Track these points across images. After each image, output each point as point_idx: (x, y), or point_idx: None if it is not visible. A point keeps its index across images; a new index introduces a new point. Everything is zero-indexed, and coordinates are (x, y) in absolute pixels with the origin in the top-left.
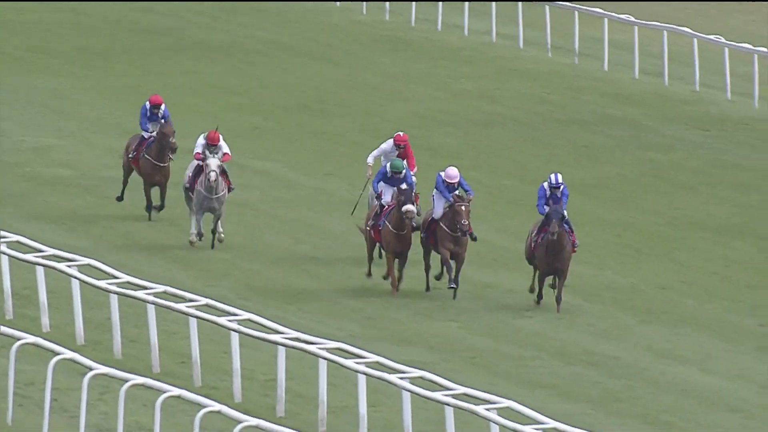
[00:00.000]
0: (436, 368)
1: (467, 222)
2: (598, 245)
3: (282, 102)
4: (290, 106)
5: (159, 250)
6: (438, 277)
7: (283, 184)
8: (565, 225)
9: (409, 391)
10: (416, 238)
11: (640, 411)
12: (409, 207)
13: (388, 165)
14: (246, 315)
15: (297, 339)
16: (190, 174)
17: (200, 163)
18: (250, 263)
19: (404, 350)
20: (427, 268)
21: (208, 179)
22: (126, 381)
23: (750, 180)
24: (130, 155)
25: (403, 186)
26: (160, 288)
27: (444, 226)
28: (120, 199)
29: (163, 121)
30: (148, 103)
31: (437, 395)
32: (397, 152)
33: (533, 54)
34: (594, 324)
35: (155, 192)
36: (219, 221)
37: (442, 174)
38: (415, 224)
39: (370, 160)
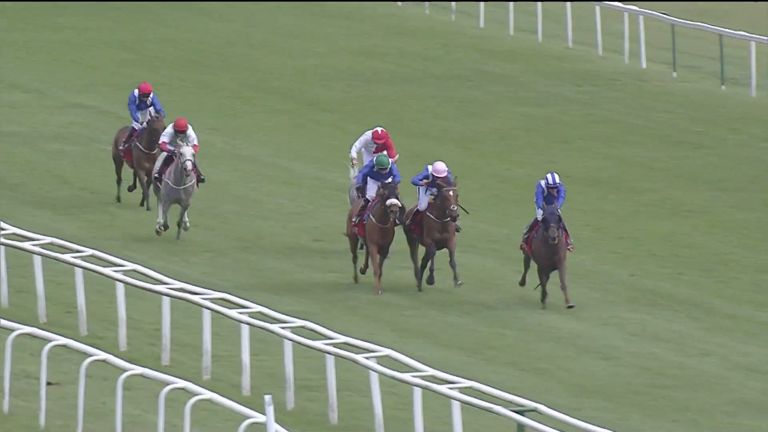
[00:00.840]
0: (317, 318)
1: (456, 207)
2: (475, 198)
3: (165, 56)
4: (173, 60)
5: (46, 205)
6: (430, 281)
7: None
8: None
9: (290, 340)
10: (400, 233)
11: (514, 358)
12: (393, 200)
13: (374, 160)
14: (132, 266)
15: (182, 290)
16: (160, 163)
17: (172, 151)
18: (136, 214)
19: (287, 300)
20: (417, 271)
21: (184, 167)
22: (12, 330)
23: (620, 134)
24: (120, 148)
25: (388, 180)
26: (47, 239)
27: (431, 216)
28: (131, 188)
29: (152, 109)
30: (136, 90)
31: (318, 344)
32: (375, 147)
33: (412, 12)
34: (470, 275)
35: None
36: (186, 212)
37: (430, 167)
38: (398, 220)
39: (353, 152)
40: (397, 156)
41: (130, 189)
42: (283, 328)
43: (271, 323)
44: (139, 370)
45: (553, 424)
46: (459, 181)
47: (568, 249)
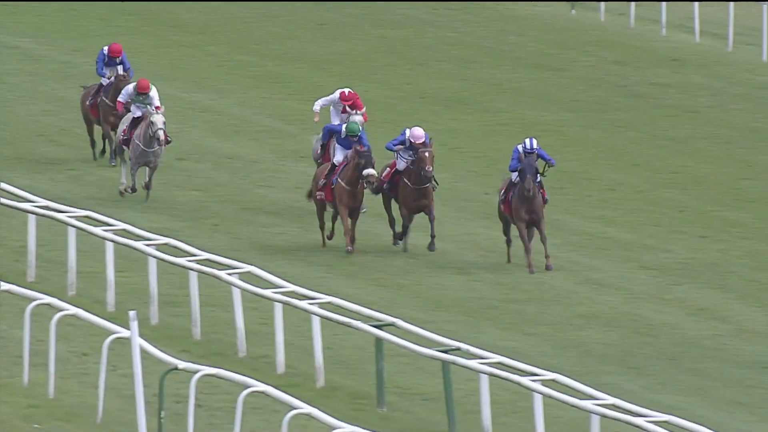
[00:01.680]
0: (180, 235)
1: (431, 168)
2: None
3: None
4: None
5: None
6: (400, 237)
7: (33, 59)
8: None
9: (154, 257)
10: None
11: (373, 275)
12: (370, 171)
13: (344, 127)
14: None
15: (47, 207)
16: (126, 127)
17: (139, 114)
18: (1, 132)
19: (150, 218)
20: (392, 221)
21: (157, 137)
22: None
23: (475, 56)
24: (88, 103)
25: (362, 147)
26: None
27: (408, 182)
28: (101, 153)
29: (120, 67)
30: (105, 48)
31: (181, 261)
32: (342, 107)
33: None
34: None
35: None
36: (153, 173)
37: (408, 132)
38: (373, 192)
39: (316, 107)
40: (366, 117)
41: (101, 154)
42: (147, 245)
43: (135, 240)
44: (5, 286)
45: (410, 338)
46: (433, 142)
47: (545, 201)
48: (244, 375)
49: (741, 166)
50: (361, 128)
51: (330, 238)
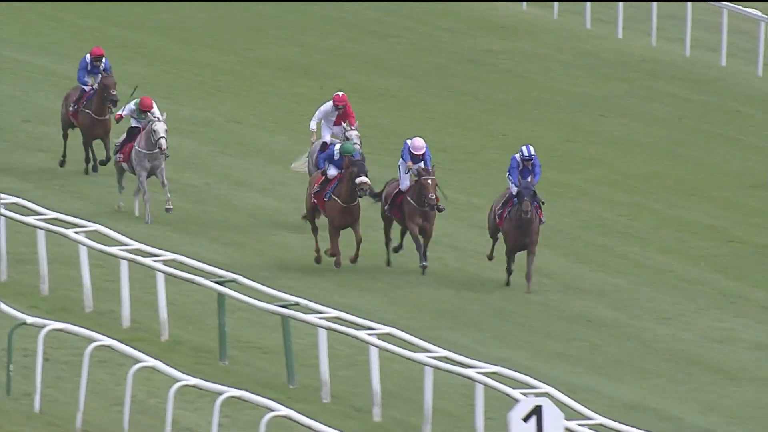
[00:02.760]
0: (28, 195)
1: (434, 196)
2: (179, 84)
3: None
4: None
5: None
6: (397, 249)
7: None
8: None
9: (3, 216)
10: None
11: (215, 234)
12: (363, 179)
13: (337, 148)
14: None
15: None
16: (119, 145)
17: (137, 125)
18: None
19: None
20: (388, 241)
21: (159, 147)
22: None
23: (311, 23)
24: (70, 108)
25: (356, 156)
26: None
27: (412, 201)
28: (62, 163)
29: (104, 72)
30: (88, 55)
31: (29, 220)
32: (336, 113)
33: None
34: (181, 155)
35: (98, 148)
36: (164, 172)
37: (409, 142)
38: (373, 198)
39: (312, 125)
40: (357, 123)
41: (61, 163)
42: None
43: None
44: None
45: (251, 294)
46: (436, 168)
47: (541, 222)
48: (90, 330)
49: (566, 130)
50: (356, 150)
51: (317, 255)
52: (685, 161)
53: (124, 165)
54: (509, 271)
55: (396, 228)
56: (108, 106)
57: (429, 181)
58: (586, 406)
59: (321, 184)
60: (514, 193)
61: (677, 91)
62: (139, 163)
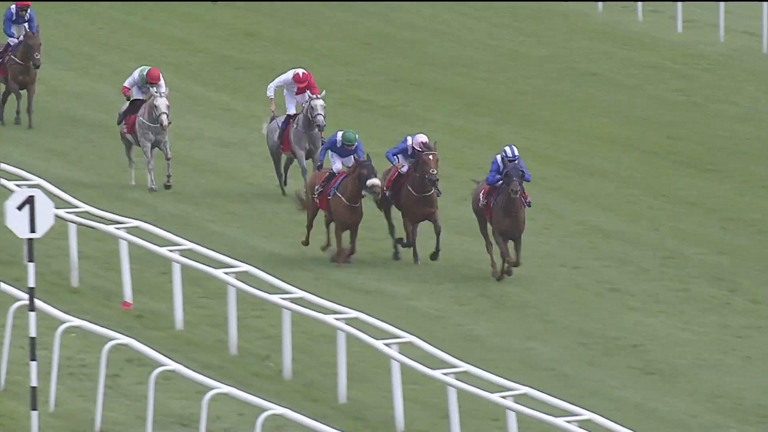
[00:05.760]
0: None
1: (435, 171)
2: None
3: None
4: None
5: None
6: (400, 242)
7: None
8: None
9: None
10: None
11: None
12: (374, 181)
13: (339, 135)
14: None
15: None
16: (120, 113)
17: (140, 96)
18: None
19: None
20: (392, 228)
21: (161, 123)
22: None
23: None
24: None
25: (363, 157)
26: None
27: (411, 190)
28: (16, 120)
29: (27, 25)
30: (13, 6)
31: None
32: (296, 88)
33: None
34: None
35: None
36: (168, 146)
37: (410, 139)
38: (378, 198)
39: (270, 92)
40: (323, 92)
41: (16, 120)
42: None
43: None
44: None
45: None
46: (437, 146)
47: (527, 204)
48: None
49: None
50: (358, 138)
51: (306, 244)
52: None
53: (129, 137)
54: (503, 259)
55: (399, 225)
56: (32, 57)
57: (431, 156)
58: None
59: (324, 182)
60: (493, 181)
61: None
62: (143, 135)
